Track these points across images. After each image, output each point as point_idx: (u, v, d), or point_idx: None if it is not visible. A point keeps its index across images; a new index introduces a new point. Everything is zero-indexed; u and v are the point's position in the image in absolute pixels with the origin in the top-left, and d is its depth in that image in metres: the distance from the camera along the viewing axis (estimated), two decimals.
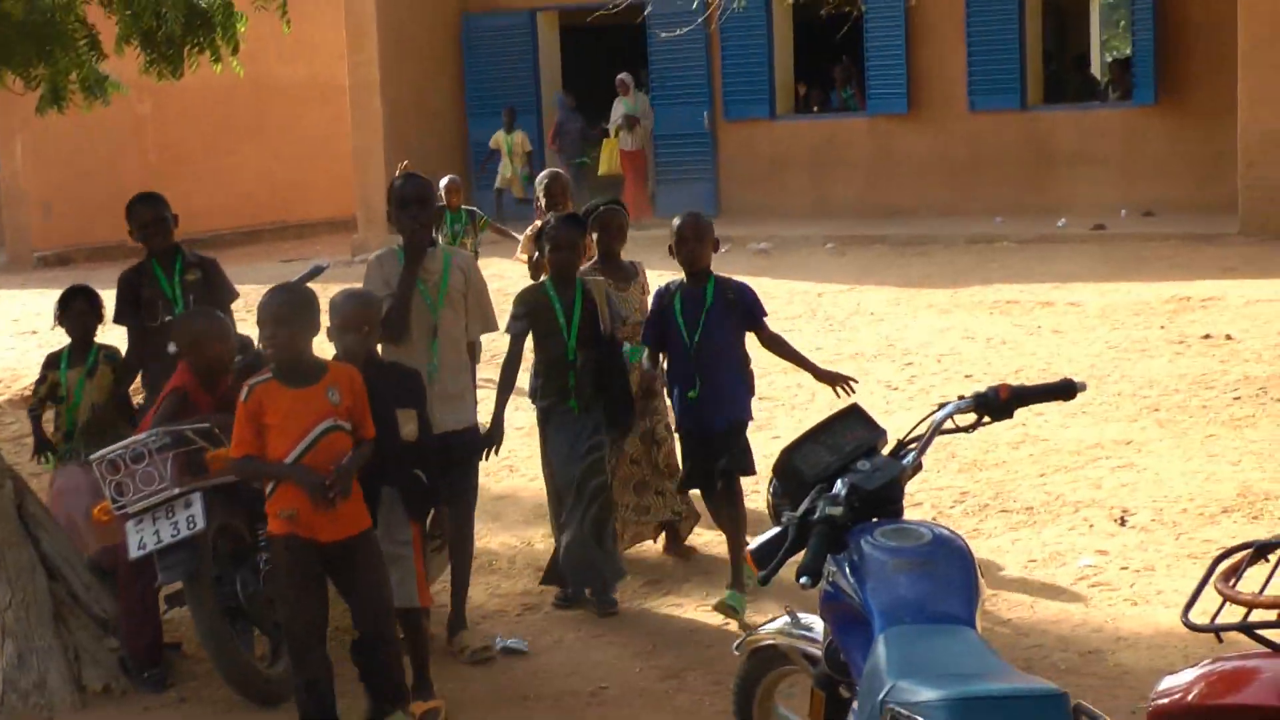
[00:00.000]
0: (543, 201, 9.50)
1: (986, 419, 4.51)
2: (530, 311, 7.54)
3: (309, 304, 6.06)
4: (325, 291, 7.30)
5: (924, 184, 22.94)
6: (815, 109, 25.54)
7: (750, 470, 7.58)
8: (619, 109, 23.07)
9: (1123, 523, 8.31)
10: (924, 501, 8.66)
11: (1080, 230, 20.19)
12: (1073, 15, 31.64)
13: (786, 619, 4.73)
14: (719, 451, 7.44)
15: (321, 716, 6.00)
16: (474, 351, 7.45)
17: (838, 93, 25.35)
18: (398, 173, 8.38)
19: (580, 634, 7.36)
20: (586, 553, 7.30)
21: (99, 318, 8.03)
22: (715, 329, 7.42)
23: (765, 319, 7.64)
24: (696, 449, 7.56)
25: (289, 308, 5.96)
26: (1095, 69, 31.79)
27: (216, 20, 8.62)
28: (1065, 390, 4.57)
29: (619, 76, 23.01)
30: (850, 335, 14.24)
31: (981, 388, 4.56)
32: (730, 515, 7.50)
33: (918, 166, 23.06)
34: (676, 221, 7.61)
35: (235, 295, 8.28)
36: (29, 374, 13.97)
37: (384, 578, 6.12)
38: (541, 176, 9.67)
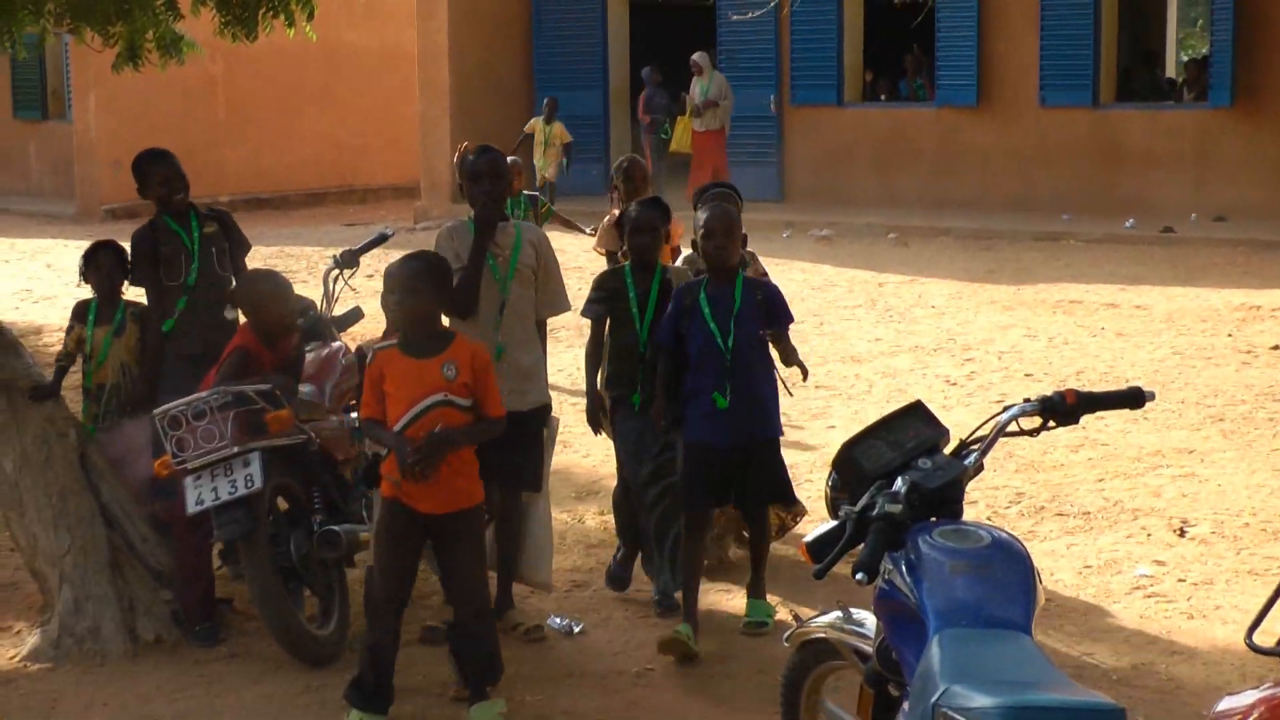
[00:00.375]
0: (621, 188, 8.72)
1: (1052, 423, 4.47)
2: (608, 296, 7.29)
3: (441, 274, 6.08)
4: (386, 259, 7.38)
5: (991, 178, 22.80)
6: (883, 97, 25.42)
7: (793, 498, 7.37)
8: (695, 88, 22.92)
9: (1182, 533, 8.24)
10: (979, 500, 8.62)
11: (1149, 232, 20.02)
12: (1149, 12, 31.35)
13: (838, 613, 4.71)
14: (748, 473, 6.89)
15: (375, 682, 6.00)
16: (543, 332, 7.24)
17: (908, 82, 25.23)
18: (456, 156, 8.19)
19: (628, 613, 7.35)
20: (648, 560, 7.32)
21: (125, 273, 7.78)
22: (748, 333, 6.80)
23: (790, 324, 7.03)
24: (713, 465, 6.87)
25: (420, 277, 5.96)
26: (1170, 68, 31.52)
27: None
28: (1133, 399, 4.53)
29: (694, 57, 22.70)
30: (910, 327, 14.18)
31: (1048, 391, 4.54)
32: (760, 538, 7.14)
33: (985, 160, 22.91)
34: (702, 215, 6.98)
35: (249, 246, 8.09)
36: None
37: (480, 557, 6.14)
38: (620, 161, 8.89)
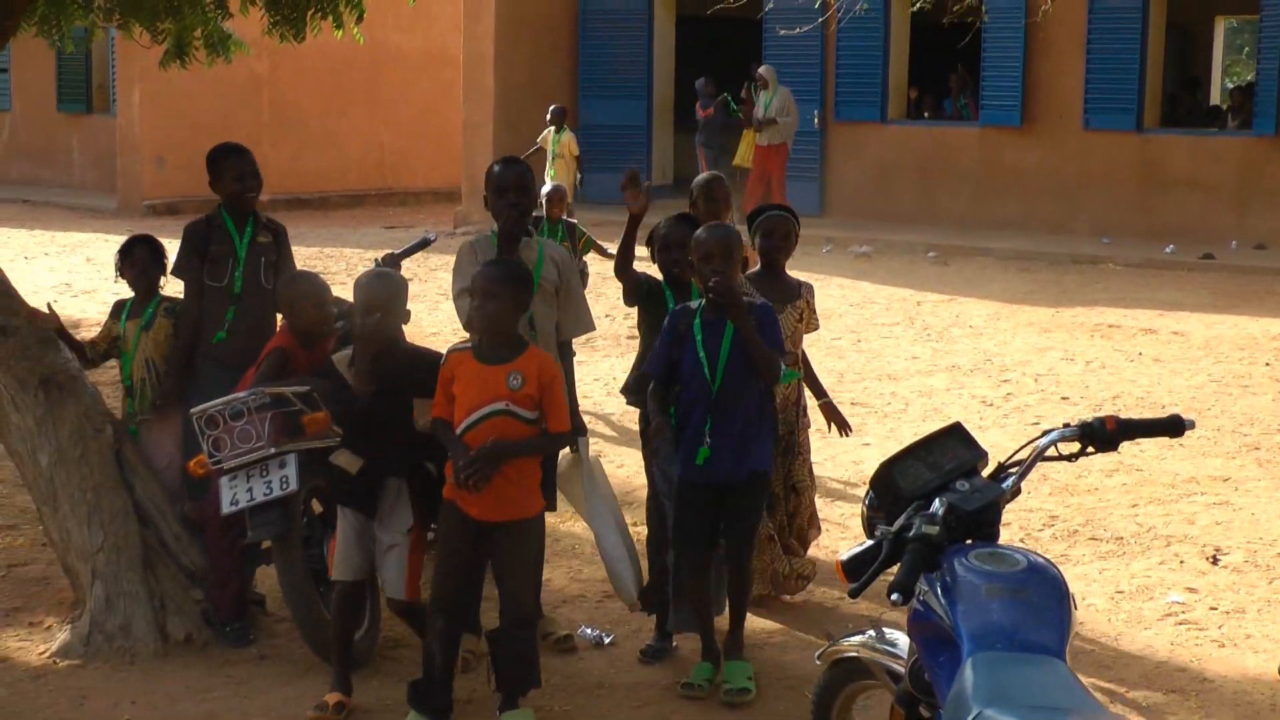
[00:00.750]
0: (702, 207, 7.83)
1: (1091, 449, 4.46)
2: (646, 297, 7.02)
3: (522, 281, 6.09)
4: (427, 262, 7.41)
5: (1032, 199, 22.76)
6: (926, 115, 25.38)
7: (752, 537, 6.68)
8: (759, 102, 22.46)
9: (1215, 561, 8.20)
10: (1013, 522, 8.58)
11: (1189, 258, 19.95)
12: (1196, 38, 31.28)
13: (871, 632, 4.70)
14: (729, 511, 6.51)
15: (432, 684, 5.98)
16: (566, 353, 6.94)
17: (952, 101, 25.19)
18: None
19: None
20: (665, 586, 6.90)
21: (162, 269, 7.70)
22: (739, 364, 6.36)
23: (780, 349, 6.55)
24: (700, 504, 6.49)
25: (501, 282, 5.95)
26: (1215, 95, 31.42)
27: None
28: (1173, 427, 4.50)
29: (759, 70, 22.47)
30: (948, 346, 14.14)
31: (1086, 416, 4.51)
32: (740, 583, 6.65)
33: (1027, 181, 22.87)
34: (701, 234, 6.55)
35: (294, 268, 7.80)
36: None
37: (529, 570, 6.15)
38: (702, 178, 8.12)
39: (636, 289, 7.02)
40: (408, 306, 6.38)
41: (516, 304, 6.02)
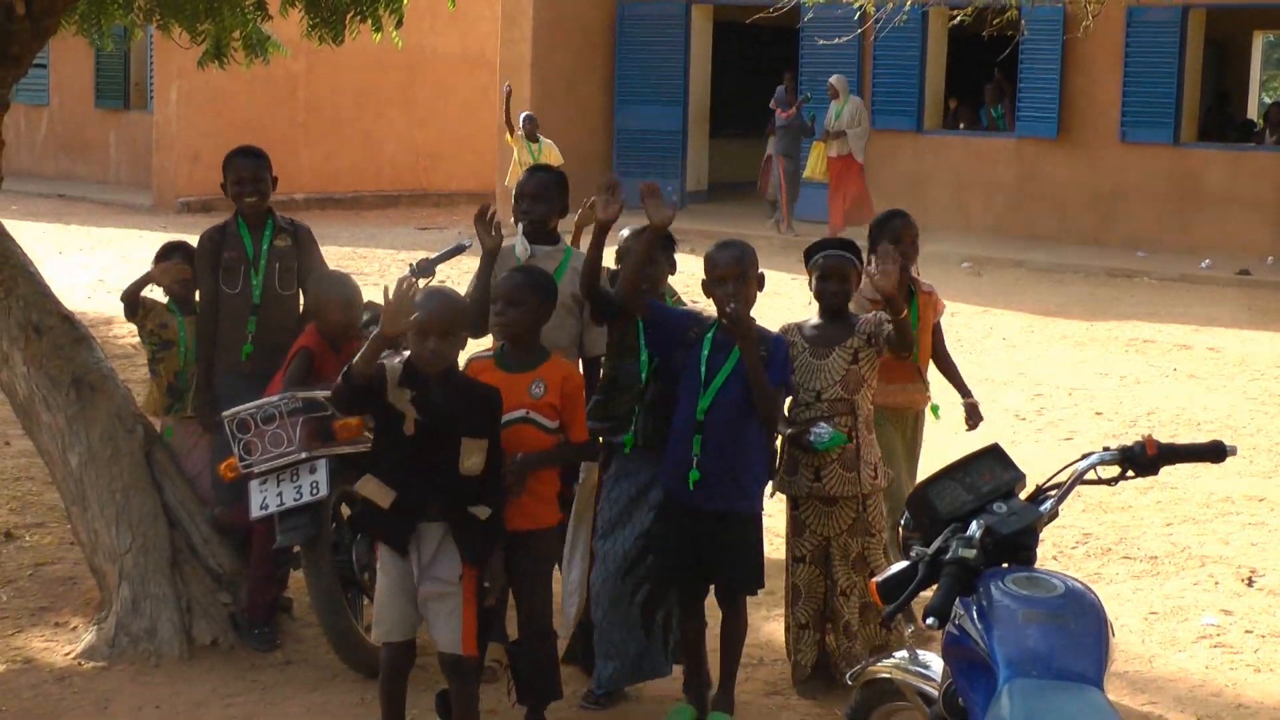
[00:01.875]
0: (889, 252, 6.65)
1: (1130, 473, 4.40)
2: (615, 315, 6.41)
3: (545, 289, 6.00)
4: (460, 267, 7.32)
5: (1067, 211, 22.68)
6: (962, 125, 25.30)
7: (754, 589, 6.28)
8: (830, 112, 22.35)
9: (1250, 583, 8.12)
10: (1045, 539, 8.41)
11: (1224, 273, 19.86)
12: (1233, 52, 31.12)
13: (905, 653, 4.65)
14: (714, 553, 6.11)
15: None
16: (594, 369, 6.64)
17: (987, 110, 25.11)
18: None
19: None
20: (630, 636, 6.32)
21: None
22: (736, 393, 6.00)
23: (786, 387, 6.17)
24: (685, 530, 6.10)
25: (524, 290, 5.89)
26: (1253, 108, 31.27)
27: None
28: (1214, 453, 4.44)
29: (831, 80, 22.31)
30: (981, 359, 14.06)
31: (1128, 440, 4.46)
32: (731, 632, 6.30)
33: (1062, 193, 22.80)
34: (714, 253, 6.14)
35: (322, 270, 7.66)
36: None
37: (548, 581, 6.01)
38: (884, 215, 7.40)
39: (608, 310, 6.36)
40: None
41: (538, 313, 5.95)
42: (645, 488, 6.30)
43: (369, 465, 5.68)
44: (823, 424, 6.30)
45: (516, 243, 6.70)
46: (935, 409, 7.55)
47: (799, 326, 6.58)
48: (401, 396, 5.45)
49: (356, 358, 5.36)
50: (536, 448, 5.83)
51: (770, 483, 6.47)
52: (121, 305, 7.70)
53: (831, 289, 6.47)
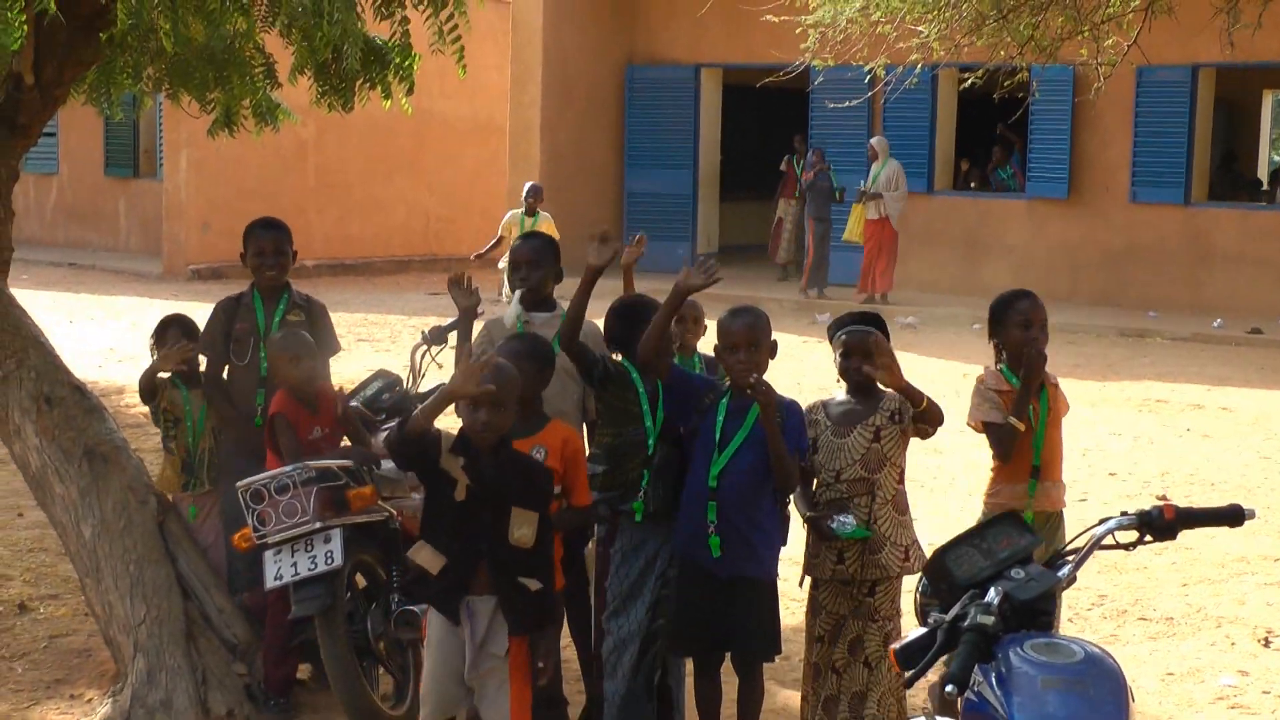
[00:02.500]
0: (1015, 335, 6.57)
1: (1148, 538, 4.40)
2: (606, 381, 6.38)
3: (544, 357, 6.05)
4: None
5: (1078, 271, 22.72)
6: (973, 185, 25.37)
7: (771, 656, 6.28)
8: (870, 174, 22.29)
9: (1266, 644, 8.08)
10: (1061, 601, 8.46)
11: (1236, 333, 19.85)
12: (1243, 111, 31.20)
13: (923, 719, 4.63)
14: (730, 619, 6.09)
15: None
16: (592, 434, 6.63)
17: (991, 172, 25.18)
18: None
19: None
20: (639, 710, 6.31)
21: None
22: (751, 456, 6.01)
23: (800, 454, 6.10)
24: (701, 600, 6.11)
25: (522, 358, 5.89)
26: (1262, 167, 31.33)
27: (393, 58, 8.68)
28: (1233, 517, 4.45)
29: (871, 141, 22.37)
30: None
31: (1146, 505, 4.45)
32: (748, 698, 6.25)
33: (1073, 253, 22.84)
34: (726, 320, 6.08)
35: (336, 348, 7.75)
36: None
37: (553, 649, 5.80)
38: (1004, 298, 6.76)
39: (593, 369, 6.35)
40: None
41: (537, 380, 5.99)
42: (653, 559, 6.28)
43: (422, 532, 5.62)
44: (849, 514, 6.07)
45: (510, 310, 6.72)
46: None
47: (824, 405, 6.29)
48: (454, 462, 5.43)
49: (418, 411, 5.37)
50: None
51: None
52: (139, 394, 7.68)
53: (855, 365, 6.12)
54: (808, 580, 6.32)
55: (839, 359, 6.19)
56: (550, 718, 6.00)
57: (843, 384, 6.26)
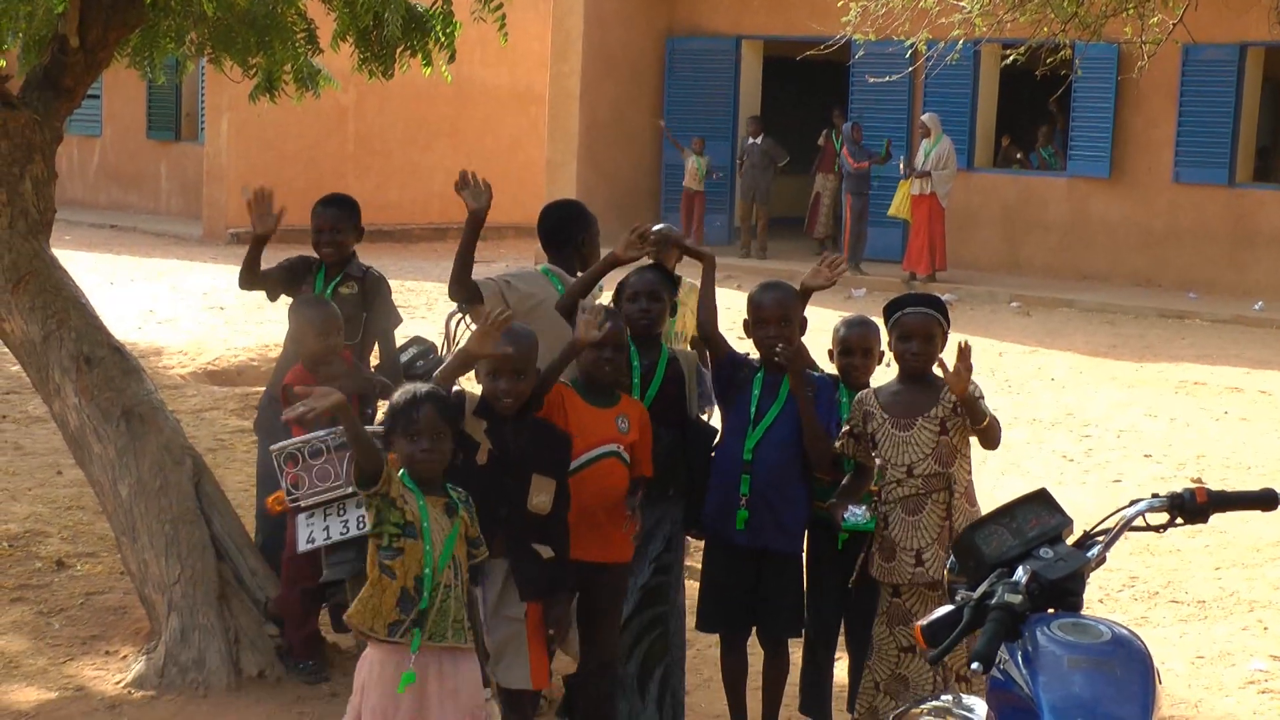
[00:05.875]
0: None
1: (1180, 520, 4.38)
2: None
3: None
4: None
5: (1118, 251, 22.61)
6: (1020, 157, 25.24)
7: (798, 631, 6.26)
8: (920, 151, 22.17)
9: None
10: (1091, 582, 8.41)
11: (1277, 315, 19.73)
12: None
13: (949, 696, 4.63)
14: (758, 594, 6.13)
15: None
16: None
17: (1037, 152, 25.07)
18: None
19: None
20: (625, 702, 6.26)
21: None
22: (785, 431, 6.01)
23: (832, 428, 6.04)
24: (730, 576, 6.15)
25: (625, 334, 5.98)
26: None
27: (434, 26, 8.69)
28: (1267, 500, 4.42)
29: (923, 118, 22.26)
30: (1028, 399, 14.02)
31: (1177, 487, 4.43)
32: (773, 673, 6.32)
33: (1114, 233, 22.73)
34: (756, 295, 6.15)
35: (398, 321, 7.89)
36: (213, 349, 14.25)
37: (616, 617, 6.01)
38: None
39: None
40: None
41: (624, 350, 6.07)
42: (644, 540, 6.20)
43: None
44: (862, 506, 5.85)
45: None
46: None
47: (875, 393, 5.93)
48: (477, 426, 5.51)
49: (437, 373, 5.46)
50: (620, 483, 5.89)
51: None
52: (356, 474, 5.21)
53: (913, 350, 5.80)
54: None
55: (895, 342, 5.87)
56: (601, 683, 6.02)
57: (893, 367, 6.03)
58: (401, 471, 5.17)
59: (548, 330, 6.14)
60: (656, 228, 6.76)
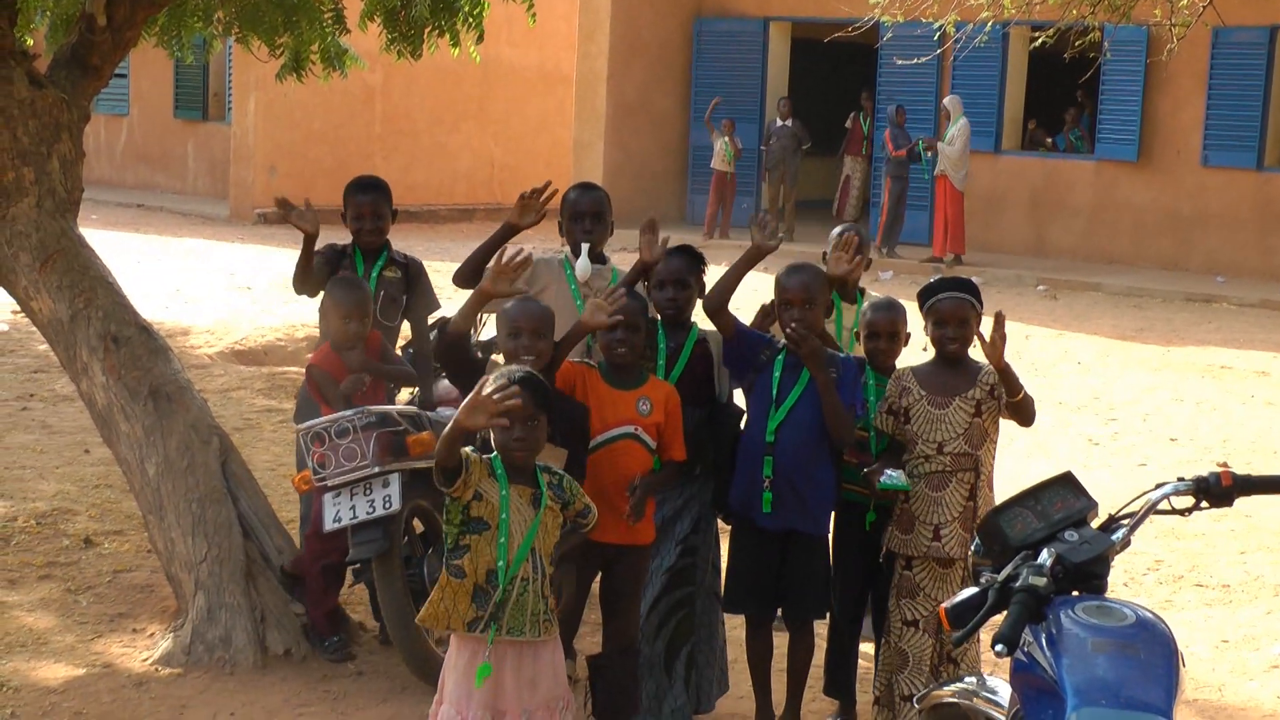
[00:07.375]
0: None
1: (1205, 504, 4.37)
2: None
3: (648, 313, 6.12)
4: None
5: (1146, 235, 22.54)
6: (1049, 140, 25.16)
7: (823, 613, 6.30)
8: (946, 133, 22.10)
9: None
10: (1116, 565, 8.40)
11: None
12: None
13: (973, 679, 4.64)
14: (783, 576, 6.14)
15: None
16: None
17: (1065, 135, 24.99)
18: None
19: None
20: (652, 681, 6.25)
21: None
22: (808, 411, 6.00)
23: (855, 408, 6.09)
24: (756, 557, 6.15)
25: (642, 314, 6.00)
26: None
27: (462, 6, 8.69)
28: None
29: (945, 101, 22.21)
30: (1055, 383, 13.99)
31: (1203, 471, 4.42)
32: (798, 654, 6.33)
33: (1141, 216, 22.66)
34: (782, 278, 6.11)
35: (436, 306, 7.90)
36: (240, 329, 14.29)
37: (637, 600, 6.04)
38: None
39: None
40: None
41: (648, 337, 6.08)
42: (671, 521, 6.25)
43: None
44: (899, 469, 5.90)
45: (581, 262, 6.67)
46: None
47: (913, 370, 6.07)
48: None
49: (455, 314, 5.62)
50: (640, 466, 5.88)
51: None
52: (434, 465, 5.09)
53: (950, 335, 5.89)
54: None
55: (932, 327, 5.95)
56: (623, 665, 6.04)
57: (930, 350, 6.12)
58: (493, 455, 5.12)
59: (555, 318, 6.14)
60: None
